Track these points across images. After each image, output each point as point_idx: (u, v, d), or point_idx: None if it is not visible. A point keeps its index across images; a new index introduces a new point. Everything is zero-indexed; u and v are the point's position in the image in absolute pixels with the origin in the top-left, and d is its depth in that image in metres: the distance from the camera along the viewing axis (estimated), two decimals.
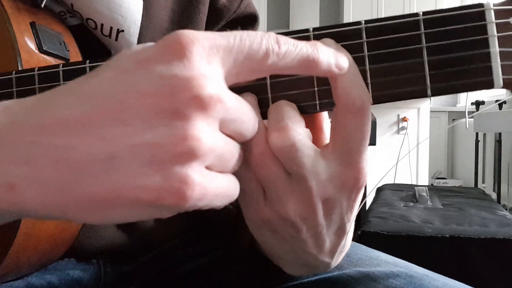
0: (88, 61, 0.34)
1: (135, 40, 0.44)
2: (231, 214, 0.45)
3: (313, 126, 0.32)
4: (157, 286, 0.49)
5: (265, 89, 0.31)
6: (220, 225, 0.47)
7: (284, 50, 0.25)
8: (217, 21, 0.52)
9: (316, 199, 0.30)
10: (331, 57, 0.28)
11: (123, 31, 0.43)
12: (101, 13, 0.41)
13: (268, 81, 0.31)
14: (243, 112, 0.26)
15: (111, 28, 0.42)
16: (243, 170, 0.30)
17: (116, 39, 0.43)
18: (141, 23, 0.44)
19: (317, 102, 0.31)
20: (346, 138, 0.30)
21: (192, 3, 0.49)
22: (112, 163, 0.22)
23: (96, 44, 0.43)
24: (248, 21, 0.55)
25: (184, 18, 0.49)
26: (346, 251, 0.37)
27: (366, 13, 3.61)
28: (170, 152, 0.22)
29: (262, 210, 0.32)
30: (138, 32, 0.44)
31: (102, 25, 0.42)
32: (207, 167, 0.24)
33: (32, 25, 0.39)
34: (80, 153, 0.22)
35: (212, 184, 0.24)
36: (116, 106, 0.22)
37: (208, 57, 0.23)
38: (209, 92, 0.22)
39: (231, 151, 0.26)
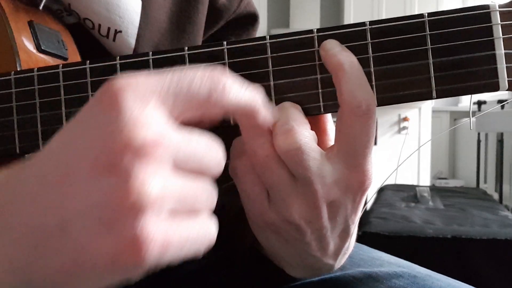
0: (88, 61, 0.33)
1: (133, 41, 0.43)
2: (232, 214, 0.44)
3: (317, 128, 0.32)
4: (157, 287, 0.48)
5: (268, 91, 0.31)
6: (221, 225, 0.47)
7: (228, 91, 0.25)
8: (217, 20, 0.52)
9: (321, 202, 0.30)
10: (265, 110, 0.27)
11: (120, 31, 0.42)
12: (98, 13, 0.41)
13: (272, 83, 0.31)
14: (196, 148, 0.24)
15: (109, 28, 0.42)
16: (247, 172, 0.30)
17: (114, 40, 0.42)
18: (139, 24, 0.43)
19: (321, 104, 0.31)
20: (351, 141, 0.29)
21: (190, 3, 0.49)
22: (65, 231, 0.21)
23: (94, 43, 0.43)
24: (248, 21, 0.54)
25: (183, 19, 0.48)
26: (349, 253, 0.37)
27: (366, 13, 3.60)
28: (117, 210, 0.20)
29: (266, 213, 0.31)
30: (136, 33, 0.43)
31: (99, 25, 0.41)
32: (171, 214, 0.22)
33: (30, 24, 0.38)
34: (34, 228, 0.21)
35: (176, 233, 0.22)
36: (60, 173, 0.21)
37: (143, 100, 0.22)
38: (143, 137, 0.21)
39: (196, 189, 0.24)
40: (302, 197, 0.30)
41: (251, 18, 0.54)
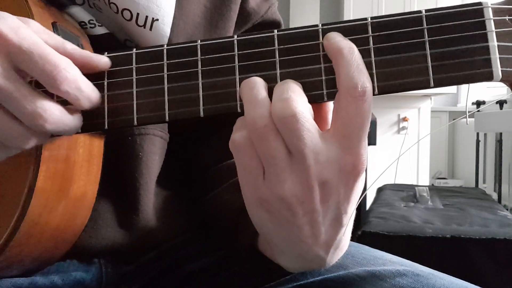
0: (106, 52, 0.36)
1: (169, 29, 0.45)
2: (233, 211, 0.45)
3: (319, 117, 0.33)
4: (159, 287, 0.48)
5: (274, 78, 0.33)
6: (221, 223, 0.47)
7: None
8: (245, 22, 0.54)
9: (313, 180, 0.31)
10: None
11: (157, 20, 0.44)
12: (137, 2, 0.43)
13: (278, 71, 0.33)
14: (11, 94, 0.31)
15: (147, 17, 0.43)
16: (246, 145, 0.31)
17: (151, 29, 0.44)
18: (174, 14, 0.45)
19: (324, 91, 0.32)
20: (347, 123, 0.30)
21: (224, 1, 0.51)
22: None
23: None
24: (272, 27, 0.56)
25: (216, 15, 0.50)
26: (342, 251, 0.37)
27: (366, 13, 3.60)
28: None
29: (260, 188, 0.32)
30: (171, 21, 0.45)
31: (138, 14, 0.43)
32: None
33: (54, 25, 0.40)
34: None
35: None
36: None
37: None
38: None
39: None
40: (295, 174, 0.31)
41: (275, 26, 0.57)
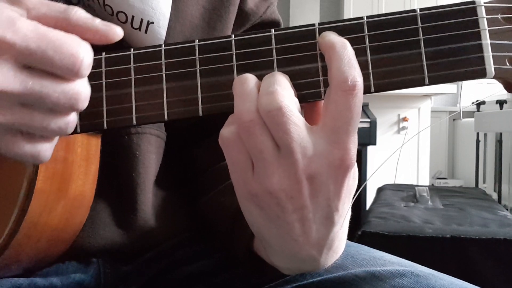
0: (104, 53, 0.35)
1: (164, 32, 0.45)
2: (229, 213, 0.44)
3: (315, 113, 0.33)
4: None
5: None
6: (218, 225, 0.47)
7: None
8: (243, 23, 0.54)
9: (301, 174, 0.31)
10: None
11: (153, 23, 0.43)
12: (132, 5, 0.42)
13: (276, 71, 0.33)
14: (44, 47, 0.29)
15: (142, 20, 0.43)
16: (234, 140, 0.31)
17: (146, 31, 0.43)
18: (170, 16, 0.45)
19: (322, 89, 0.33)
20: (336, 116, 0.30)
21: (223, 3, 0.51)
22: None
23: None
24: (271, 27, 0.56)
25: (214, 17, 0.50)
26: (337, 253, 0.36)
27: (366, 13, 3.59)
28: None
29: (250, 183, 0.32)
30: (167, 24, 0.45)
31: (133, 17, 0.43)
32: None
33: None
34: None
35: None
36: None
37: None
38: None
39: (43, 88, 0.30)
40: (283, 168, 0.31)
41: (275, 25, 0.56)
